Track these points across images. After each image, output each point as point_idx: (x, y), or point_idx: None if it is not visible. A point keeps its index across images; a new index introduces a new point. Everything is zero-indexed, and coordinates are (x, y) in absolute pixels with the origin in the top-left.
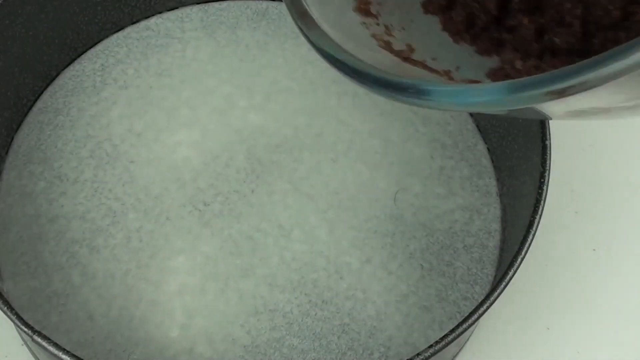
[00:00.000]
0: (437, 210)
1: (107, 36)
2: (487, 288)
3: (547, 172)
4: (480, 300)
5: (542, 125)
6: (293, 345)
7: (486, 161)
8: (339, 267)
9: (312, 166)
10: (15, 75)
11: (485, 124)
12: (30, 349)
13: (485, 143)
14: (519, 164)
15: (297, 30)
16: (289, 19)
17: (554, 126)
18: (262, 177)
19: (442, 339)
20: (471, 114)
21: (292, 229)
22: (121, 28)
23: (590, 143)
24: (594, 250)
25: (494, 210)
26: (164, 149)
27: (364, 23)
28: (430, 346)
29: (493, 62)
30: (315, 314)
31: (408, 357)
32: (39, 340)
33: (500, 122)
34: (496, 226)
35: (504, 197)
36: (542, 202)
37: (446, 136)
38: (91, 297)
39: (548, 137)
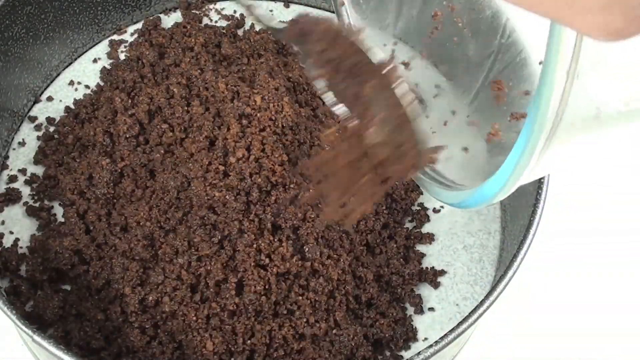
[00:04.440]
0: (437, 210)
1: (107, 36)
2: (487, 288)
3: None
4: (480, 300)
5: None
6: None
7: None
8: None
9: None
10: (16, 75)
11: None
12: (30, 349)
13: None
14: None
15: None
16: (288, 19)
17: None
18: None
19: (441, 338)
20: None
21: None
22: (121, 28)
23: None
24: (593, 250)
25: (494, 210)
26: None
27: None
28: (430, 346)
29: None
30: None
31: (408, 357)
32: (39, 340)
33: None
34: (496, 226)
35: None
36: (541, 202)
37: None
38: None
39: None
